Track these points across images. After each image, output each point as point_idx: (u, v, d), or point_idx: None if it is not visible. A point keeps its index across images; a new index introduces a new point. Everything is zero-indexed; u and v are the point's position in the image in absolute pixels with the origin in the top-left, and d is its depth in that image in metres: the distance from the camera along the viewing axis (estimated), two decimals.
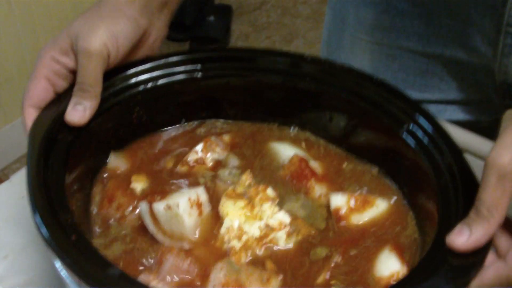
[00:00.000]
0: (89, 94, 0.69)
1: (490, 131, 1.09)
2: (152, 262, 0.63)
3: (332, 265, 0.63)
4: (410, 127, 0.69)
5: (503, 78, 0.92)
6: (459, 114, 1.04)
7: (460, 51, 0.95)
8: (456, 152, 0.65)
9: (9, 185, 0.87)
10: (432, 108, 1.02)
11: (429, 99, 1.03)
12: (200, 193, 0.66)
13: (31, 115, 0.69)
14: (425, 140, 0.67)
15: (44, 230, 0.57)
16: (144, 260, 0.63)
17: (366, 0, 1.01)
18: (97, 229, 0.66)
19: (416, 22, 0.97)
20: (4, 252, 0.78)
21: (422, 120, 0.69)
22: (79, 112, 0.68)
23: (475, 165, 0.74)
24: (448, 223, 0.59)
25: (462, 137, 0.86)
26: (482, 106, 1.05)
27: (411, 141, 0.68)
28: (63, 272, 0.59)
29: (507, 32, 0.86)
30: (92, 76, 0.70)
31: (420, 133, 0.68)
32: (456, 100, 1.03)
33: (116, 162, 0.73)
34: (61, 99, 0.70)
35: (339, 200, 0.68)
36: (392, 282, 0.61)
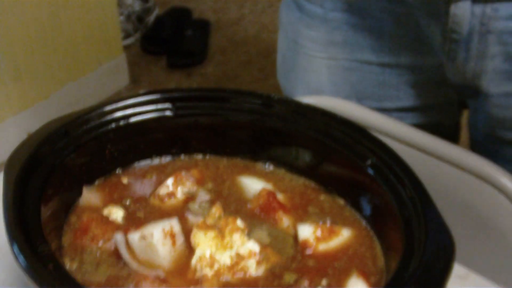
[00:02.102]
0: None
1: (452, 134, 1.13)
2: None
3: None
4: (374, 162, 0.73)
5: (453, 79, 0.97)
6: (420, 119, 1.07)
7: (415, 57, 0.99)
8: (417, 184, 0.69)
9: None
10: (392, 116, 1.06)
11: (388, 107, 1.06)
12: (173, 224, 0.69)
13: None
14: (388, 174, 0.71)
15: (22, 259, 0.59)
16: None
17: (317, 19, 1.04)
18: (71, 259, 0.67)
19: (368, 35, 1.01)
20: None
21: (384, 156, 0.73)
22: None
23: (439, 169, 0.76)
24: (411, 251, 0.63)
25: (424, 141, 0.90)
26: (442, 110, 1.08)
27: (375, 175, 0.72)
28: None
29: (451, 38, 0.92)
30: None
31: (383, 168, 0.72)
32: (416, 107, 1.06)
33: (89, 196, 0.75)
34: (33, 139, 0.72)
35: (306, 231, 0.71)
36: None
